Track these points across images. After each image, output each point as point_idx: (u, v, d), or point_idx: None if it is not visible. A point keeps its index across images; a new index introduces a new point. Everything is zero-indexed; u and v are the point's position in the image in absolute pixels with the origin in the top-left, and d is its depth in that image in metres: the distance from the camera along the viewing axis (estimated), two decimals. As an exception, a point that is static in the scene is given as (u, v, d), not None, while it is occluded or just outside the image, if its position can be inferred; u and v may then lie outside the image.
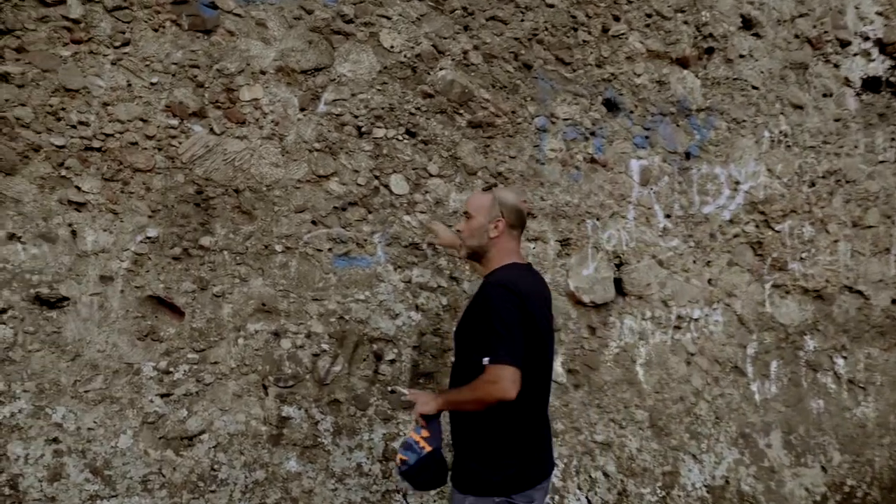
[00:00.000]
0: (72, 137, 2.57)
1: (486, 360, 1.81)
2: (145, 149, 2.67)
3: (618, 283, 3.46)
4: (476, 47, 3.14)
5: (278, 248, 2.79)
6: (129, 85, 2.65)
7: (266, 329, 2.75)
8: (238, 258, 2.74)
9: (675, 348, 3.55)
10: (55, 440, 2.46)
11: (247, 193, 2.78)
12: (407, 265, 2.99)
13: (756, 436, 3.69)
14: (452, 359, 2.67)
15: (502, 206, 2.13)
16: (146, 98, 2.66)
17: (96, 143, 2.60)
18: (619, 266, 3.48)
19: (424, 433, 2.01)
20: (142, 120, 2.66)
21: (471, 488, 1.96)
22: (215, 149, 2.75)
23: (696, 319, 3.62)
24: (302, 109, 2.85)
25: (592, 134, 3.40)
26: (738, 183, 3.75)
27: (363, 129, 2.92)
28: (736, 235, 3.75)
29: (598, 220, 3.41)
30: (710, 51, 3.66)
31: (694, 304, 3.61)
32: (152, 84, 2.67)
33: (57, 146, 2.56)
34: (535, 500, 2.01)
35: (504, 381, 1.76)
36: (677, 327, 3.56)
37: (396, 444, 2.91)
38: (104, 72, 2.61)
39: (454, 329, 2.36)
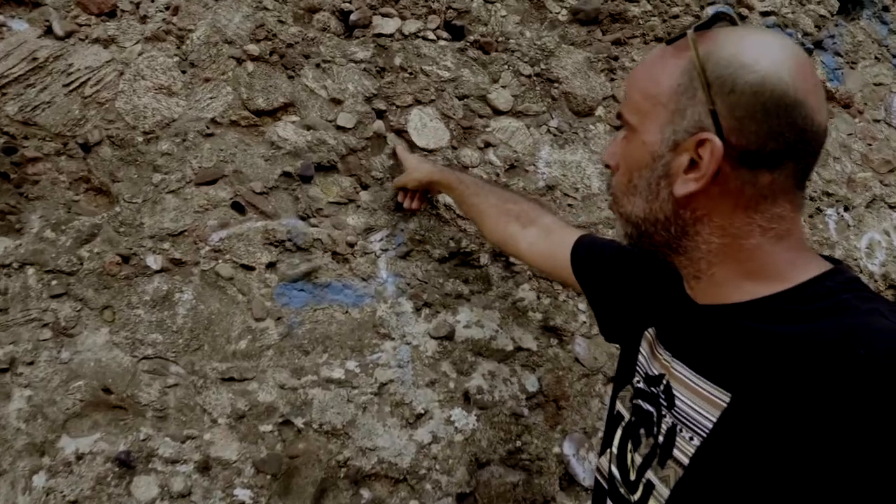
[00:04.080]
0: None
1: None
2: (-90, 65, 1.27)
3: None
4: None
5: (152, 261, 1.25)
6: None
7: (105, 449, 1.17)
8: (59, 283, 1.22)
9: None
10: None
11: (104, 150, 1.30)
12: (444, 301, 1.36)
13: None
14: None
15: (724, 88, 0.58)
16: (-74, -28, 1.29)
17: None
18: (901, 307, 1.66)
19: None
20: (-89, 12, 1.28)
21: None
22: (51, 65, 1.32)
23: None
24: (227, -18, 1.38)
25: (818, 45, 1.71)
26: None
27: (353, 19, 1.40)
28: None
29: (845, 210, 1.66)
30: None
31: None
32: (-59, -54, 1.30)
33: None
34: None
35: None
36: None
37: None
38: None
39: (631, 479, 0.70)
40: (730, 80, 0.57)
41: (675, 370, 0.66)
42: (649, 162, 0.63)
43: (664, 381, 0.67)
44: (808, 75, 0.58)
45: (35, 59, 1.31)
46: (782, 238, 0.61)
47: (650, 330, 0.75)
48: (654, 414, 0.68)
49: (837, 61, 1.74)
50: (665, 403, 0.66)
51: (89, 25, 1.34)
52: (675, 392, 0.65)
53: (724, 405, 0.58)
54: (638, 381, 0.73)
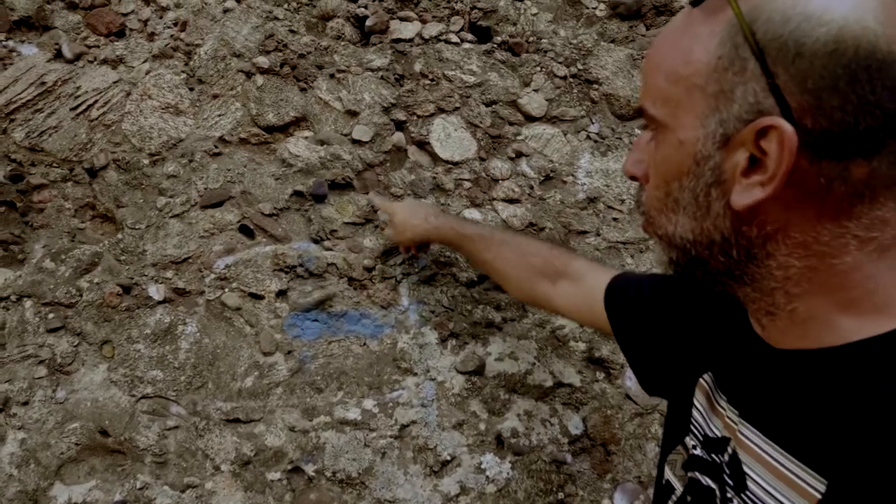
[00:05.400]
0: None
1: None
2: (-77, 94, 1.24)
3: None
4: None
5: (154, 291, 1.16)
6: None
7: (99, 499, 1.07)
8: (56, 316, 1.14)
9: None
10: None
11: (110, 174, 1.23)
12: (473, 331, 1.21)
13: None
14: None
15: (786, 53, 0.41)
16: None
17: None
18: None
19: None
20: (-75, 40, 1.26)
21: None
22: (59, 89, 1.27)
23: None
24: (237, -7, 1.30)
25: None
26: None
27: (369, 25, 1.30)
28: None
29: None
30: None
31: None
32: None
33: None
34: None
35: None
36: None
37: None
38: None
39: None
40: (792, 41, 0.40)
41: (745, 437, 0.49)
42: (691, 167, 0.46)
43: (729, 450, 0.51)
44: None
45: (43, 83, 1.27)
46: (887, 250, 0.43)
47: (707, 376, 0.58)
48: (717, 494, 0.51)
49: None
50: (732, 483, 0.49)
51: (98, 46, 1.29)
52: (746, 468, 0.48)
53: (818, 497, 0.41)
54: (694, 447, 0.56)
